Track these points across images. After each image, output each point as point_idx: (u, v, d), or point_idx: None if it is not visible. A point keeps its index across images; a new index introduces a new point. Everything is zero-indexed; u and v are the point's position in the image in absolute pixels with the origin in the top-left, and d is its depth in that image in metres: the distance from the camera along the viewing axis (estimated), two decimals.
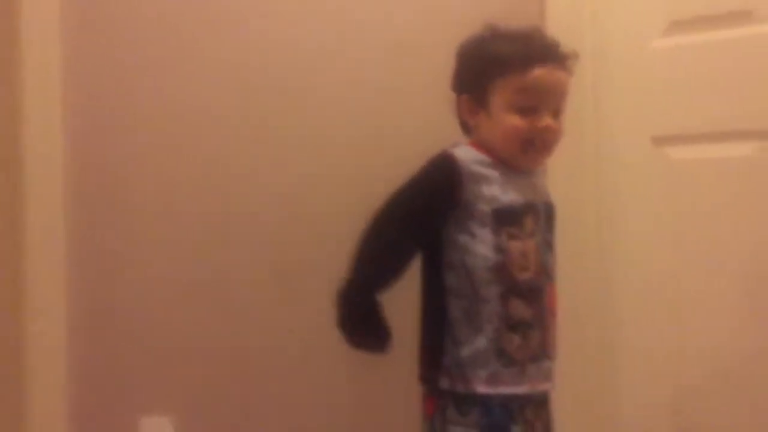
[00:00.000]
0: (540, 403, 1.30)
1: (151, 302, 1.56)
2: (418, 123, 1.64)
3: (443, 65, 1.37)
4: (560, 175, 1.64)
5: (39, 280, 1.50)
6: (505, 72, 1.26)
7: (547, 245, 1.31)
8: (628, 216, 1.68)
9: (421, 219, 1.26)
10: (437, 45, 1.50)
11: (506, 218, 1.25)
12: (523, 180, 1.30)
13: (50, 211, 1.52)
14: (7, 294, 1.52)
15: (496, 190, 1.25)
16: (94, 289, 1.54)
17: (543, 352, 1.28)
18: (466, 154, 1.27)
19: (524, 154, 1.27)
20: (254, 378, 1.61)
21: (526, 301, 1.25)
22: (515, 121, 1.25)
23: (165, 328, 1.57)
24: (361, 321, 1.25)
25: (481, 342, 1.23)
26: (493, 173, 1.26)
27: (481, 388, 1.22)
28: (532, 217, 1.28)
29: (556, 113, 1.28)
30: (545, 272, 1.29)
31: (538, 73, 1.24)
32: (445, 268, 1.26)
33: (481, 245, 1.24)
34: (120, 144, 1.56)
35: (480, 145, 1.30)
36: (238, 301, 1.60)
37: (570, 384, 1.64)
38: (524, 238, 1.26)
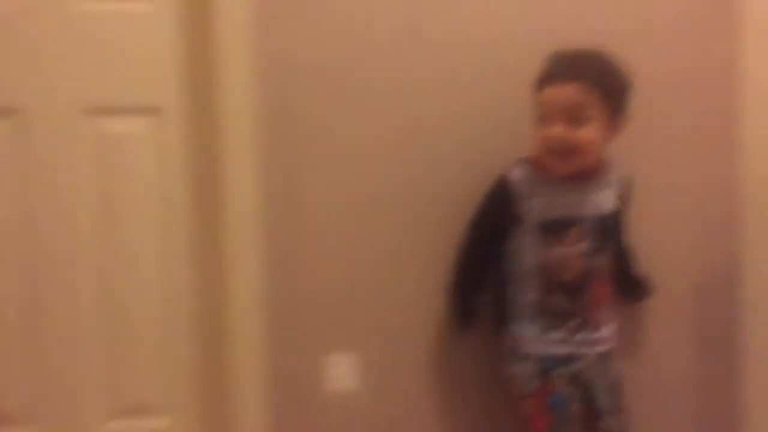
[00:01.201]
0: (597, 358, 1.52)
1: (339, 243, 1.62)
2: None
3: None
4: None
5: (237, 226, 1.57)
6: (534, 90, 1.48)
7: (595, 251, 1.50)
8: None
9: (488, 235, 1.55)
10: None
11: (550, 230, 1.47)
12: (574, 194, 1.49)
13: (244, 159, 1.57)
14: (208, 246, 1.62)
15: (545, 205, 1.48)
16: (286, 235, 1.59)
17: (588, 327, 1.51)
18: (519, 173, 1.49)
19: (549, 161, 1.46)
20: (438, 316, 1.66)
21: (566, 296, 1.49)
22: (539, 130, 1.46)
23: (351, 268, 1.64)
24: (458, 312, 1.61)
25: (526, 323, 1.51)
26: (543, 190, 1.48)
27: (528, 348, 1.51)
28: (578, 229, 1.48)
29: (573, 123, 1.41)
30: (590, 274, 1.50)
31: (546, 90, 1.44)
32: (505, 258, 1.54)
33: (525, 250, 1.50)
34: (310, 95, 1.60)
35: (537, 160, 1.50)
36: (425, 241, 1.65)
37: None
38: (565, 247, 1.48)
